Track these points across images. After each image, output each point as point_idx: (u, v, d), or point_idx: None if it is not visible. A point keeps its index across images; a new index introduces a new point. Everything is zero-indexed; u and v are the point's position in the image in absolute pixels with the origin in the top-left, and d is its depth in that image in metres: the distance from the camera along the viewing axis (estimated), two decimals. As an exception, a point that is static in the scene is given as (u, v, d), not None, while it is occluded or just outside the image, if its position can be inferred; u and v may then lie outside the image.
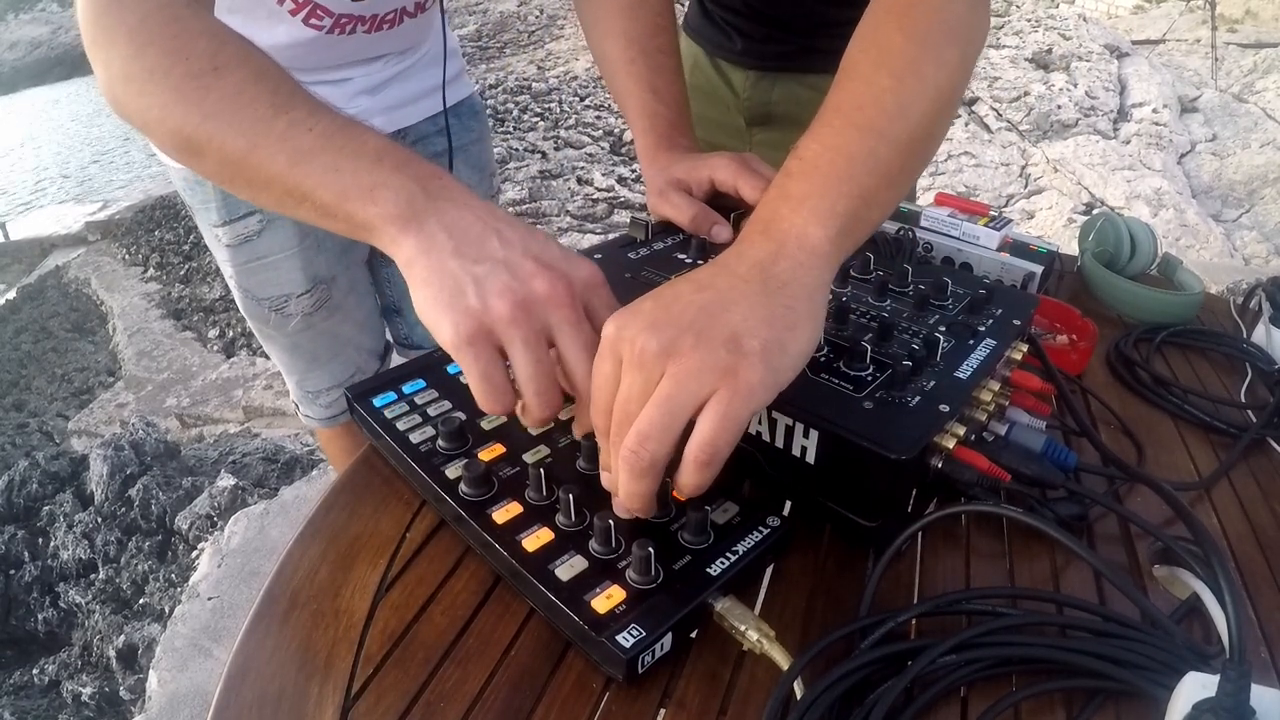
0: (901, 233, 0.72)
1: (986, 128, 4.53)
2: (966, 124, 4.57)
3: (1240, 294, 0.85)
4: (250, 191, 0.49)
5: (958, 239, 0.77)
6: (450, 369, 0.61)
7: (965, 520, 0.53)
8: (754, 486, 0.51)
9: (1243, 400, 0.68)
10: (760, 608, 0.46)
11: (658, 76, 0.76)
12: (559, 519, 0.47)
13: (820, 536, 0.51)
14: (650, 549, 0.42)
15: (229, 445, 2.35)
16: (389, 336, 1.19)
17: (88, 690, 1.60)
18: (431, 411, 0.56)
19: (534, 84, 5.59)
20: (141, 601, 1.76)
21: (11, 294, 4.18)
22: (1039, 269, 0.73)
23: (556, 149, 4.56)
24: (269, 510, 1.83)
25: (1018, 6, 6.42)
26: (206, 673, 1.46)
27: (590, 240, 3.45)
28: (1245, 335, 0.78)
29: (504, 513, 0.48)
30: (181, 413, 2.79)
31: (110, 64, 0.50)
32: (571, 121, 4.91)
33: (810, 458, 0.48)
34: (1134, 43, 5.72)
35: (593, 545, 0.45)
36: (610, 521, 0.44)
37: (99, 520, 1.93)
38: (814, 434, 0.47)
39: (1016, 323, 0.57)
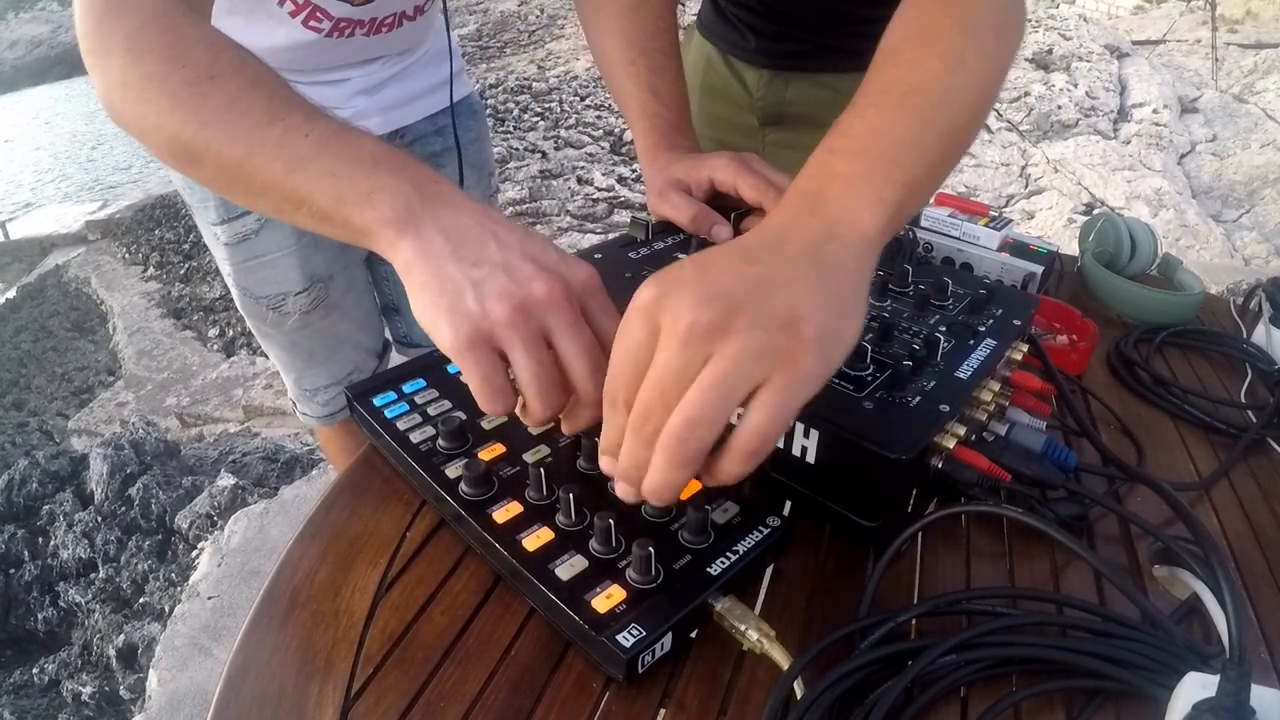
0: (901, 233, 0.72)
1: (987, 128, 4.53)
2: (967, 124, 4.55)
3: (1240, 294, 0.85)
4: (248, 198, 0.49)
5: (958, 239, 0.77)
6: (450, 369, 0.61)
7: (965, 520, 0.53)
8: (754, 486, 0.51)
9: (1243, 400, 0.68)
10: (760, 608, 0.46)
11: (658, 77, 0.76)
12: (559, 519, 0.47)
13: (820, 536, 0.51)
14: (650, 549, 0.42)
15: (229, 445, 2.35)
16: (388, 335, 1.19)
17: (88, 690, 1.59)
18: (431, 411, 0.56)
19: (534, 83, 5.59)
20: (141, 601, 1.76)
21: (11, 293, 4.18)
22: (1039, 269, 0.73)
23: (557, 149, 4.56)
24: (269, 510, 1.83)
25: (1018, 6, 6.40)
26: (206, 672, 1.46)
27: (590, 240, 3.45)
28: (1245, 335, 0.78)
29: (504, 512, 0.48)
30: (181, 412, 2.79)
31: (108, 72, 0.50)
32: (572, 121, 4.91)
33: (810, 457, 0.48)
34: (1134, 43, 5.72)
35: (593, 545, 0.45)
36: (610, 521, 0.44)
37: (99, 519, 1.92)
38: (814, 434, 0.47)
39: (1016, 323, 0.57)
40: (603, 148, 4.54)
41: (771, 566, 0.49)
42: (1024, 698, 0.40)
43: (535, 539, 0.46)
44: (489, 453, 0.52)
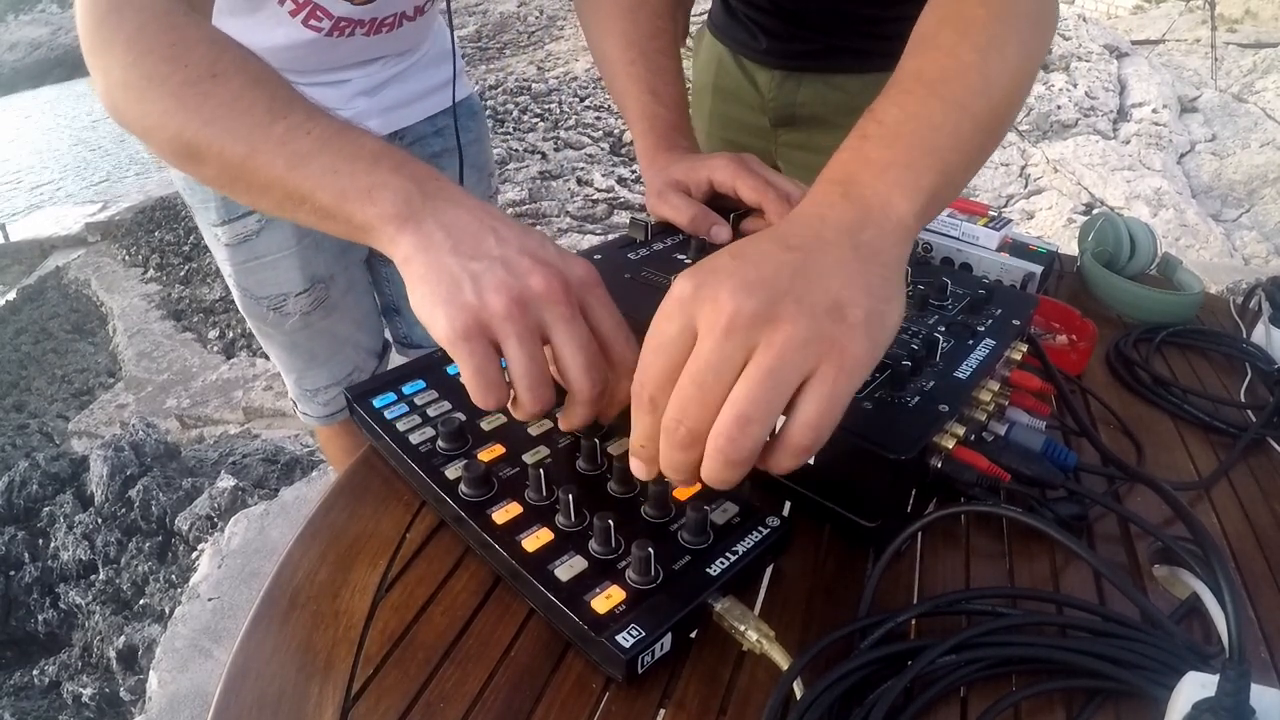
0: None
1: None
2: (966, 124, 4.55)
3: (1240, 294, 0.85)
4: (250, 196, 0.49)
5: (957, 239, 0.77)
6: (450, 369, 0.61)
7: (965, 520, 0.53)
8: (754, 486, 0.51)
9: (1242, 400, 0.68)
10: (760, 608, 0.46)
11: (657, 78, 0.76)
12: (559, 519, 0.47)
13: (820, 536, 0.51)
14: (650, 549, 0.42)
15: (229, 446, 2.35)
16: (388, 336, 1.19)
17: (88, 691, 1.59)
18: (431, 412, 0.56)
19: (534, 85, 5.59)
20: (142, 602, 1.76)
21: (11, 295, 4.19)
22: (1039, 269, 0.73)
23: (556, 150, 4.57)
24: (269, 511, 1.83)
25: (1017, 7, 6.41)
26: (206, 673, 1.46)
27: (590, 241, 3.45)
28: (1245, 335, 0.78)
29: (504, 513, 0.48)
30: (181, 414, 2.79)
31: (109, 71, 0.50)
32: (571, 122, 4.91)
33: (810, 457, 0.48)
34: (1134, 43, 5.72)
35: (592, 545, 0.45)
36: (610, 522, 0.44)
37: (99, 521, 1.93)
38: (814, 434, 0.47)
39: (1016, 323, 0.57)
40: (602, 149, 4.54)
41: (771, 567, 0.49)
42: (1024, 698, 0.40)
43: (535, 540, 0.46)
44: (488, 454, 0.52)
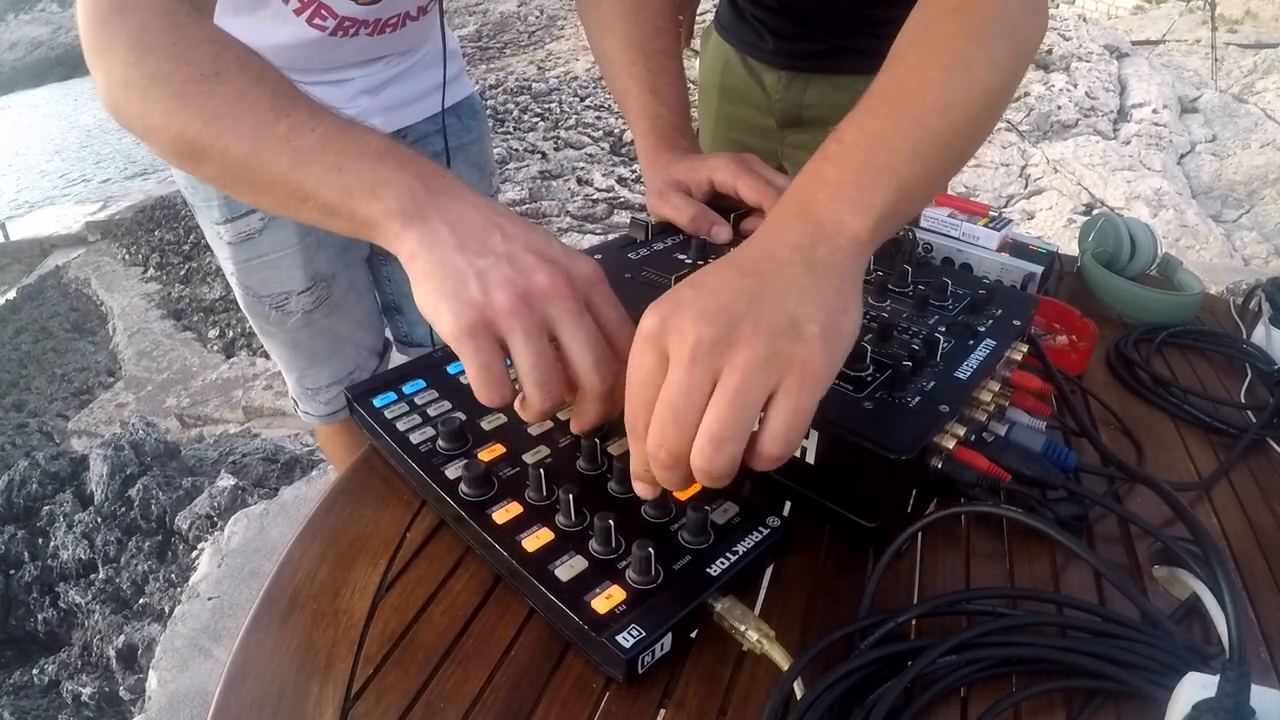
0: (901, 233, 0.72)
1: (987, 128, 4.52)
2: (966, 124, 4.56)
3: (1240, 294, 0.85)
4: (253, 194, 0.49)
5: (957, 239, 0.77)
6: (450, 369, 0.61)
7: (965, 520, 0.53)
8: (754, 486, 0.51)
9: (1242, 400, 0.68)
10: (760, 608, 0.46)
11: (658, 78, 0.76)
12: (559, 519, 0.47)
13: (820, 536, 0.51)
14: (650, 549, 0.42)
15: (229, 445, 2.35)
16: (389, 334, 1.19)
17: (88, 690, 1.59)
18: (431, 412, 0.56)
19: (534, 84, 5.59)
20: (141, 601, 1.76)
21: (11, 294, 4.18)
22: (1039, 269, 0.73)
23: (556, 149, 4.56)
24: (269, 510, 1.83)
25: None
26: (206, 673, 1.46)
27: (590, 240, 3.45)
28: (1245, 335, 0.78)
29: (504, 513, 0.48)
30: (181, 413, 2.79)
31: (111, 71, 0.50)
32: (571, 122, 4.91)
33: (810, 457, 0.48)
34: (1134, 43, 5.72)
35: (593, 545, 0.45)
36: (610, 522, 0.44)
37: (99, 520, 1.92)
38: (814, 434, 0.47)
39: (1016, 323, 0.57)
40: (602, 148, 4.54)
41: (771, 567, 0.49)
42: (1024, 698, 0.40)
43: (535, 539, 0.46)
44: (489, 453, 0.52)
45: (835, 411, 0.46)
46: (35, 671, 1.68)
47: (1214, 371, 0.73)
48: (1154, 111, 4.54)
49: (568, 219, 3.79)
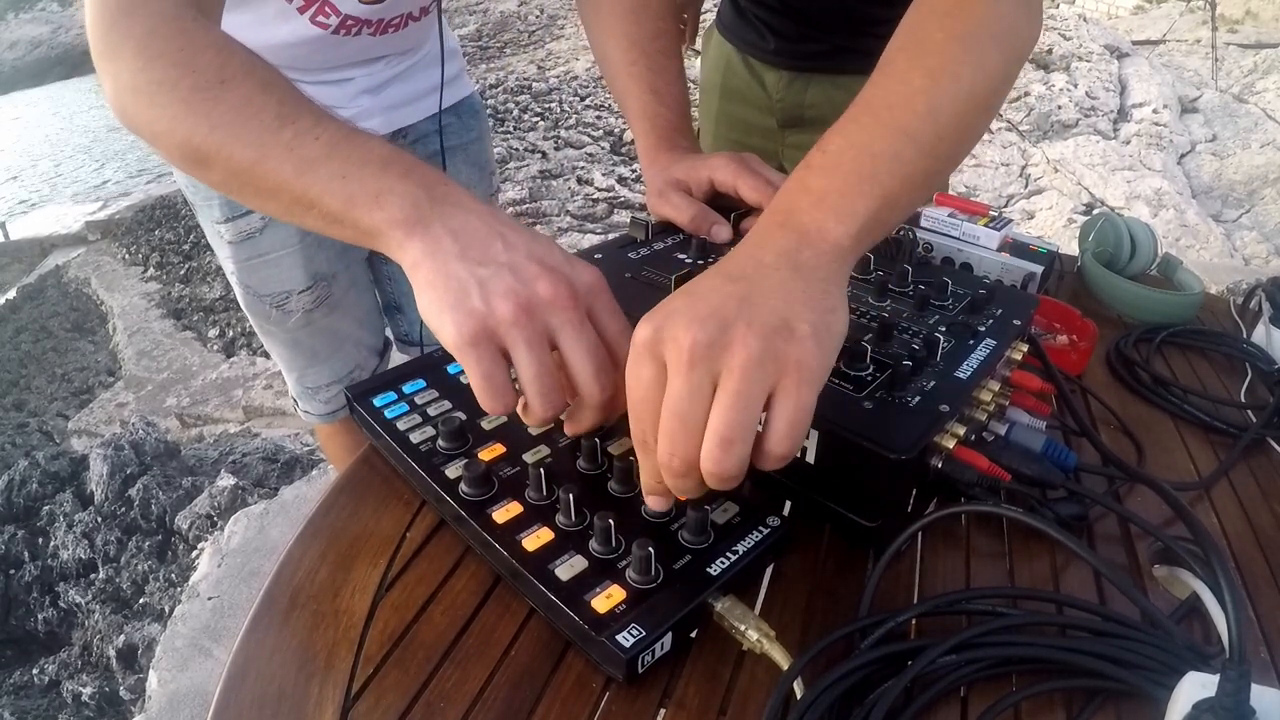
0: (901, 233, 0.72)
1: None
2: (967, 124, 4.55)
3: (1240, 294, 0.85)
4: (258, 201, 0.50)
5: (958, 239, 0.77)
6: (450, 369, 0.61)
7: (965, 520, 0.53)
8: (754, 486, 0.51)
9: (1242, 400, 0.68)
10: (760, 608, 0.46)
11: (659, 78, 0.76)
12: (559, 519, 0.47)
13: (820, 536, 0.51)
14: (650, 549, 0.42)
15: (229, 445, 2.35)
16: (389, 333, 1.19)
17: (88, 690, 1.59)
18: (431, 411, 0.56)
19: (534, 84, 5.59)
20: (141, 601, 1.76)
21: (11, 294, 4.18)
22: (1039, 269, 0.73)
23: (556, 149, 4.56)
24: (269, 510, 1.83)
25: (1018, 7, 6.40)
26: (206, 673, 1.46)
27: (590, 240, 3.45)
28: (1245, 335, 0.78)
29: (504, 513, 0.48)
30: (181, 412, 2.79)
31: (118, 76, 0.50)
32: (572, 121, 4.91)
33: (810, 457, 0.48)
34: (1134, 43, 5.71)
35: (593, 545, 0.45)
36: (610, 521, 0.44)
37: (99, 520, 1.92)
38: (814, 434, 0.47)
39: (1016, 323, 0.57)
40: (603, 148, 4.54)
41: (771, 566, 0.49)
42: (1024, 698, 0.40)
43: (535, 539, 0.46)
44: (489, 453, 0.52)
45: (835, 411, 0.46)
46: (35, 671, 1.68)
47: (1214, 371, 0.73)
48: (1154, 111, 4.54)
49: (568, 218, 3.79)
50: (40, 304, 4.06)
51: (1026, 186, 3.96)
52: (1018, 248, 0.78)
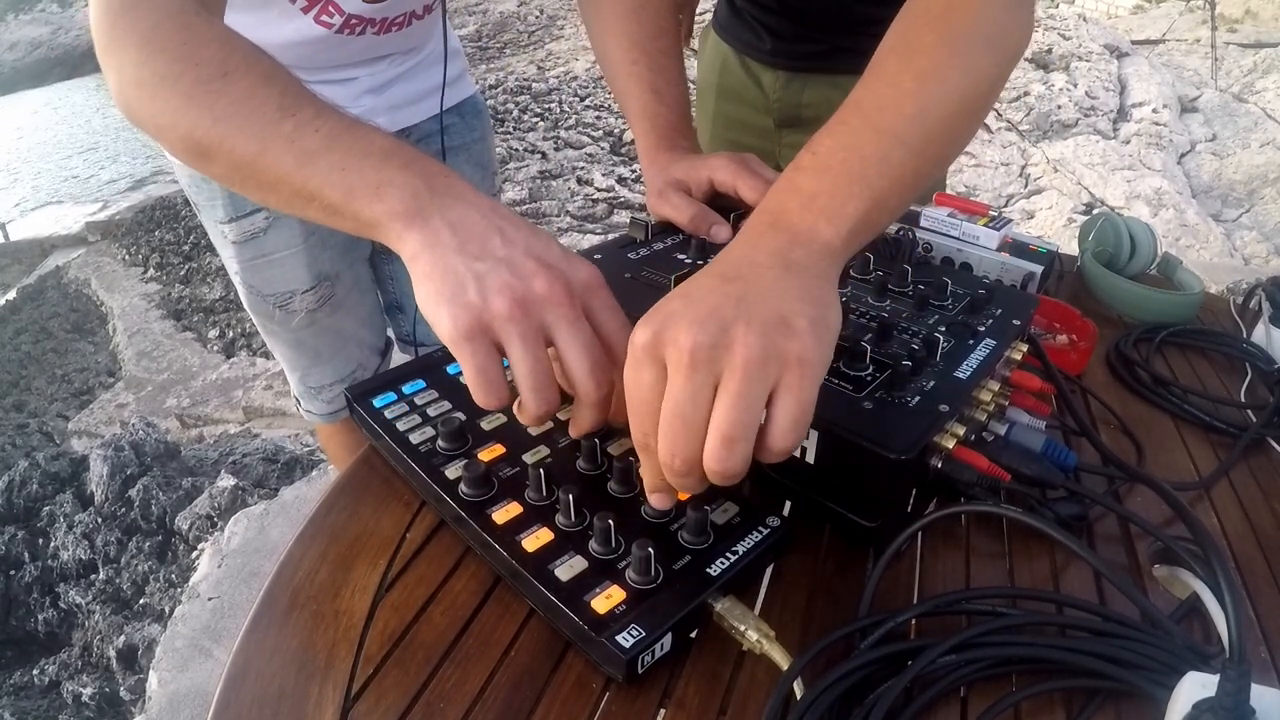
0: (901, 233, 0.72)
1: (986, 128, 4.52)
2: (966, 124, 4.56)
3: (1240, 294, 0.85)
4: (259, 193, 0.50)
5: (957, 239, 0.77)
6: (450, 369, 0.61)
7: (965, 520, 0.53)
8: (754, 486, 0.51)
9: (1243, 400, 0.68)
10: (760, 608, 0.46)
11: (659, 78, 0.76)
12: (559, 519, 0.47)
13: (820, 536, 0.51)
14: (650, 549, 0.42)
15: (229, 445, 2.35)
16: (390, 333, 1.19)
17: (88, 691, 1.59)
18: (431, 412, 0.56)
19: (534, 84, 5.59)
20: (141, 602, 1.76)
21: (11, 294, 4.18)
22: (1039, 269, 0.73)
23: (556, 149, 4.56)
24: (269, 510, 1.83)
25: (1018, 6, 6.39)
26: (206, 673, 1.46)
27: (590, 240, 3.45)
28: (1245, 335, 0.78)
29: (504, 513, 0.48)
30: (181, 413, 2.79)
31: (122, 70, 0.51)
32: (571, 122, 4.91)
33: (810, 457, 0.48)
34: (1134, 43, 5.71)
35: (592, 545, 0.45)
36: (610, 522, 0.44)
37: (99, 521, 1.92)
38: (814, 434, 0.47)
39: (1016, 323, 0.57)
40: (602, 148, 4.54)
41: (771, 566, 0.49)
42: (1024, 698, 0.40)
43: (535, 539, 0.46)
44: (489, 453, 0.52)
45: (835, 411, 0.46)
46: (35, 672, 1.68)
47: (1214, 371, 0.73)
48: (1154, 111, 4.53)
49: (568, 219, 3.78)
50: (40, 305, 4.06)
51: (1026, 186, 3.96)
52: (1017, 247, 0.78)
